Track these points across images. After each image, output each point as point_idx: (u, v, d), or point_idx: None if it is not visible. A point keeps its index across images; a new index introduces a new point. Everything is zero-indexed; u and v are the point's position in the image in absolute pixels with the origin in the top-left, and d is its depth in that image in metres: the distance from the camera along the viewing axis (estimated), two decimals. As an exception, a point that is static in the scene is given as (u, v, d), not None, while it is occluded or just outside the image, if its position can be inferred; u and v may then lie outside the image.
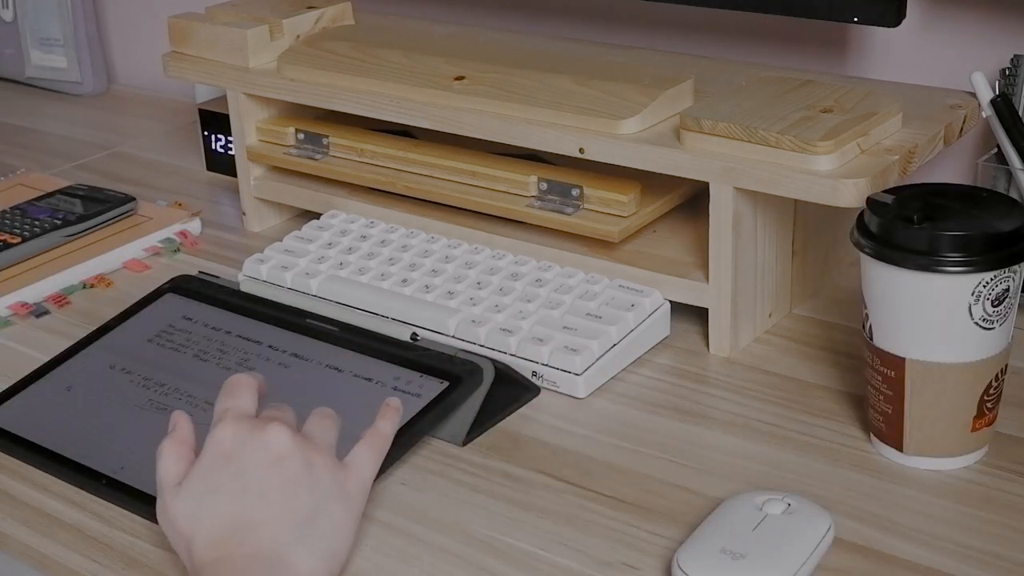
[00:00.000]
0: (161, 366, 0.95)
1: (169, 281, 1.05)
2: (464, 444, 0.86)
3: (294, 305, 0.99)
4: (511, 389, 0.90)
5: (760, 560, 0.71)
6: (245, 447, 0.72)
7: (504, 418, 0.89)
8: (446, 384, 0.87)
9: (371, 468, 0.76)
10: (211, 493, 0.71)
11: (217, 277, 1.05)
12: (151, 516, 0.80)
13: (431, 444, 0.87)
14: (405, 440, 0.83)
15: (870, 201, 0.81)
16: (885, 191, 0.82)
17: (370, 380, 0.89)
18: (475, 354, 0.90)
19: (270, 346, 0.95)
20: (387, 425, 0.78)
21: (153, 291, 1.04)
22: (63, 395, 0.94)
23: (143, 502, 0.81)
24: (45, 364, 0.97)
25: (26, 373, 0.98)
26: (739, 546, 0.72)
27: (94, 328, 1.01)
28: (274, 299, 1.00)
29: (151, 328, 0.99)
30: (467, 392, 0.87)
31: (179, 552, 0.73)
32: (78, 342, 0.99)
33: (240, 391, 0.76)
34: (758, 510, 0.75)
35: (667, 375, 0.95)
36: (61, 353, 0.98)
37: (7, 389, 0.95)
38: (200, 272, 1.07)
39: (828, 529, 0.74)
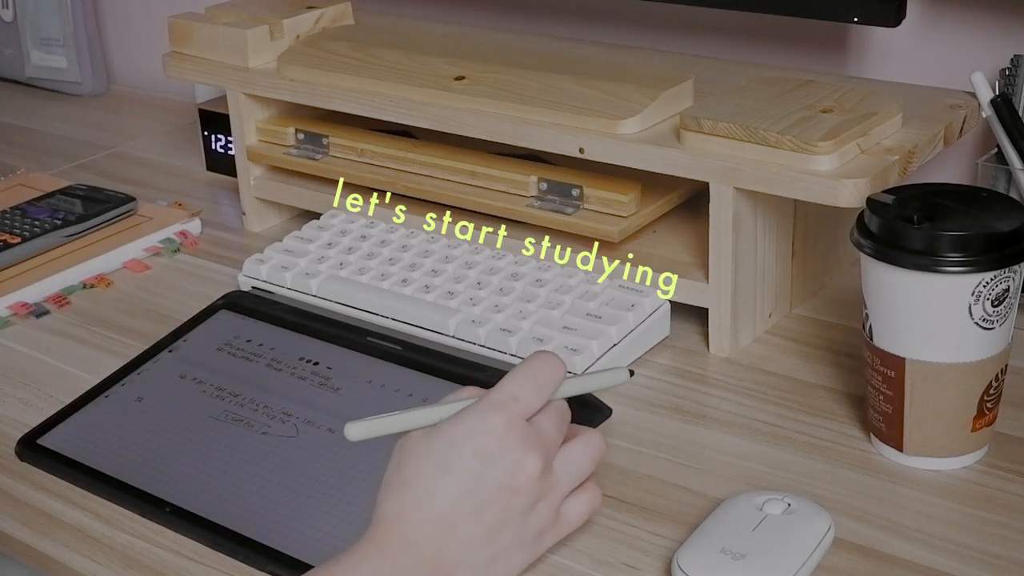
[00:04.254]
0: (233, 376, 0.93)
1: (222, 297, 1.03)
2: None
3: (354, 323, 0.97)
4: (584, 412, 0.86)
5: (760, 560, 0.71)
6: (499, 456, 0.68)
7: None
8: None
9: (575, 526, 0.73)
10: (442, 469, 0.68)
11: (271, 293, 1.03)
12: (217, 545, 0.78)
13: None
14: None
15: (870, 201, 0.81)
16: (885, 191, 0.82)
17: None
18: None
19: (329, 367, 0.93)
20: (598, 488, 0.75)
21: (205, 308, 1.01)
22: (133, 407, 0.91)
23: (208, 530, 0.79)
24: (105, 380, 0.94)
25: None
26: (739, 546, 0.72)
27: (141, 350, 0.98)
28: (332, 316, 0.98)
29: (211, 344, 0.97)
30: None
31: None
32: (136, 357, 0.97)
33: (543, 383, 0.71)
34: (758, 510, 0.75)
35: (667, 375, 0.95)
36: (121, 368, 0.95)
37: (61, 410, 0.92)
38: (253, 288, 1.05)
39: (828, 529, 0.74)
